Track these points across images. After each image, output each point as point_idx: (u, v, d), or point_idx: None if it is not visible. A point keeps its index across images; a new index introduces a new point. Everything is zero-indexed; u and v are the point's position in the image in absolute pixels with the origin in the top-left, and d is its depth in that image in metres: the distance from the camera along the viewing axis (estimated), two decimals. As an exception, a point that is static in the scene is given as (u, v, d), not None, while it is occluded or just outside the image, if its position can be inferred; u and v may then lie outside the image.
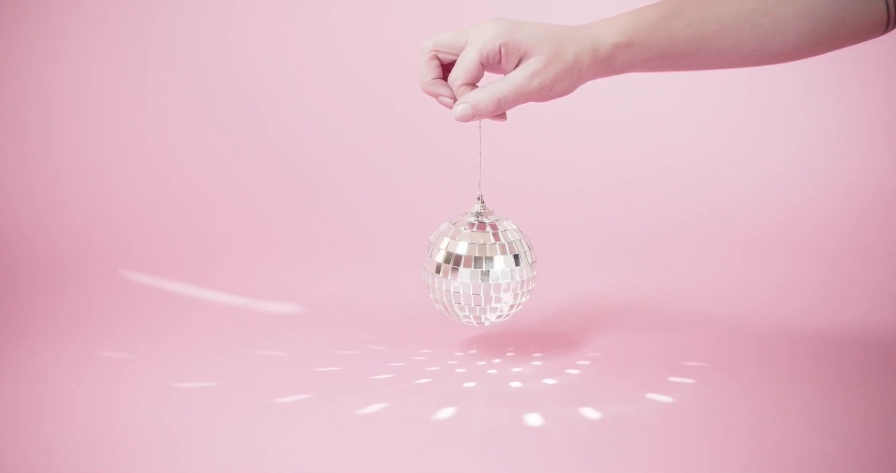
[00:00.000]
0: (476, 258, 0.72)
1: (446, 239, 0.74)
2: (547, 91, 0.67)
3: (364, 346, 0.84)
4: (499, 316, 0.75)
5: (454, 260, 0.72)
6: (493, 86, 0.67)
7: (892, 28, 0.70)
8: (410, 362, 0.79)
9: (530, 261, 0.74)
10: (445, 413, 0.68)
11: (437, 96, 0.70)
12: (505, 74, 0.68)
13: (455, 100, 0.69)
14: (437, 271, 0.73)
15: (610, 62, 0.68)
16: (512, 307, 0.75)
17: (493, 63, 0.67)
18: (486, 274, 0.72)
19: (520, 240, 0.74)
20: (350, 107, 1.42)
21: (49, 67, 1.39)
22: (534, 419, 0.66)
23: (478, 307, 0.73)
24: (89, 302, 1.01)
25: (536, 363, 0.79)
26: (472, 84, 0.68)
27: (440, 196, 1.31)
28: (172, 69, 1.41)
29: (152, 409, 0.68)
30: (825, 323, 0.91)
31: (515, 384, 0.74)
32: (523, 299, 0.75)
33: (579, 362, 0.79)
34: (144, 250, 1.20)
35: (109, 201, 1.30)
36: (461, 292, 0.73)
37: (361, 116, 1.42)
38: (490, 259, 0.72)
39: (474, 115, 0.68)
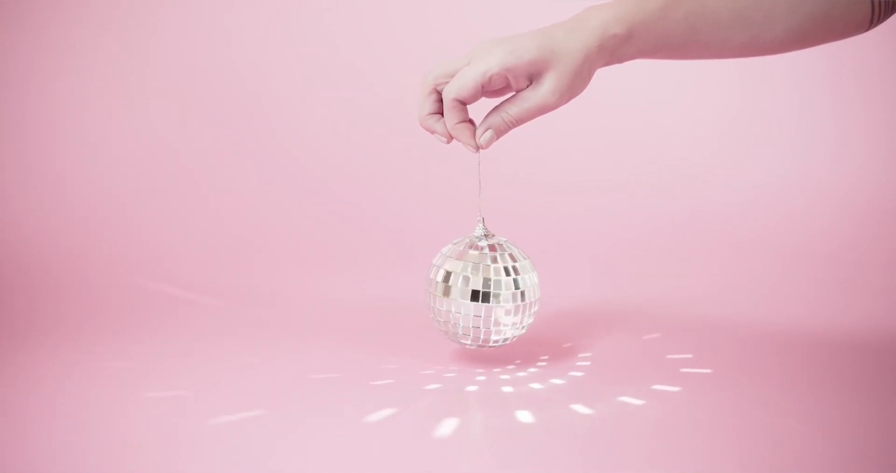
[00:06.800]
0: (479, 281, 0.72)
1: (449, 262, 0.73)
2: (567, 98, 0.68)
3: (363, 352, 0.84)
4: (495, 341, 0.74)
5: (455, 284, 0.72)
6: (512, 107, 0.68)
7: (875, 25, 0.71)
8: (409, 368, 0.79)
9: (533, 285, 0.74)
10: (447, 417, 0.68)
11: (432, 132, 0.70)
12: (516, 91, 0.68)
13: (449, 137, 0.69)
14: (440, 293, 0.73)
15: (612, 53, 0.68)
16: (513, 331, 0.75)
17: (496, 87, 0.67)
18: (487, 298, 0.72)
19: (523, 264, 0.74)
20: (356, 115, 1.42)
21: (54, 72, 1.38)
22: (527, 418, 0.66)
23: (477, 328, 0.73)
24: (94, 305, 1.01)
25: (541, 367, 0.79)
26: (464, 103, 0.68)
27: (447, 208, 1.31)
28: (181, 78, 1.41)
29: (156, 414, 0.68)
30: (821, 326, 0.91)
31: (507, 389, 0.74)
32: (527, 321, 0.75)
33: (576, 364, 0.79)
34: (149, 255, 1.20)
35: (117, 205, 1.30)
36: (461, 317, 0.72)
37: (367, 123, 1.42)
38: (494, 282, 0.72)
39: (498, 138, 0.69)
